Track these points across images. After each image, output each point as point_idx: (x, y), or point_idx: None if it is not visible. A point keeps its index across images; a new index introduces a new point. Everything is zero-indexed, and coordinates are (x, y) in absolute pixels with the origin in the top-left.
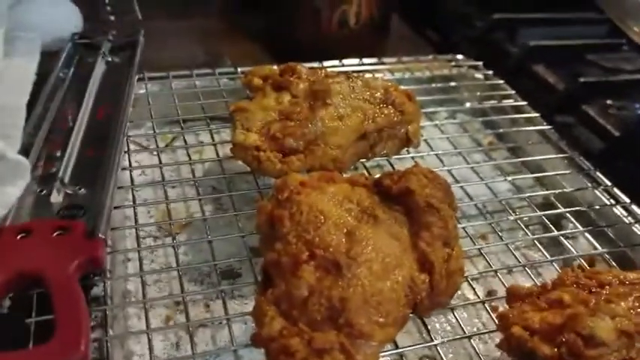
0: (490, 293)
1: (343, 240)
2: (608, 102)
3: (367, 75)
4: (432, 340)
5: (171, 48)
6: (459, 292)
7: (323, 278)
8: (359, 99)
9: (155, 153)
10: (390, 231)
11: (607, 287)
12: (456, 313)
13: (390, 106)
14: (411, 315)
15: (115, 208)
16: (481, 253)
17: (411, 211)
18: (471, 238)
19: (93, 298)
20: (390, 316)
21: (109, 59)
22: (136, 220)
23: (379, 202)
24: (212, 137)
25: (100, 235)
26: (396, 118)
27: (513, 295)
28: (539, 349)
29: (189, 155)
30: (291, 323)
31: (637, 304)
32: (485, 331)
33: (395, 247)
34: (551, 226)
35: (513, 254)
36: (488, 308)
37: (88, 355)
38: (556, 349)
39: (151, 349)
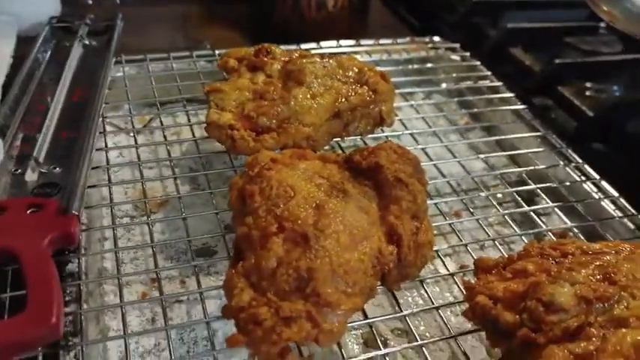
0: (462, 267)
1: (312, 213)
2: (587, 85)
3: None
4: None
5: (150, 34)
6: (431, 267)
7: (291, 250)
8: (332, 78)
9: (132, 134)
10: (359, 205)
11: (570, 257)
12: (427, 287)
13: (363, 86)
14: (382, 289)
15: (91, 187)
16: (453, 230)
17: (380, 185)
18: (443, 215)
19: (68, 274)
20: (356, 285)
21: (87, 42)
22: (112, 199)
23: (349, 178)
24: (189, 119)
25: (73, 212)
26: (369, 98)
27: (481, 267)
28: (501, 316)
29: (165, 136)
30: (260, 294)
31: (597, 272)
32: (453, 301)
33: (363, 220)
34: (522, 202)
35: (485, 230)
36: (458, 281)
37: (59, 327)
38: (518, 316)
39: (124, 323)
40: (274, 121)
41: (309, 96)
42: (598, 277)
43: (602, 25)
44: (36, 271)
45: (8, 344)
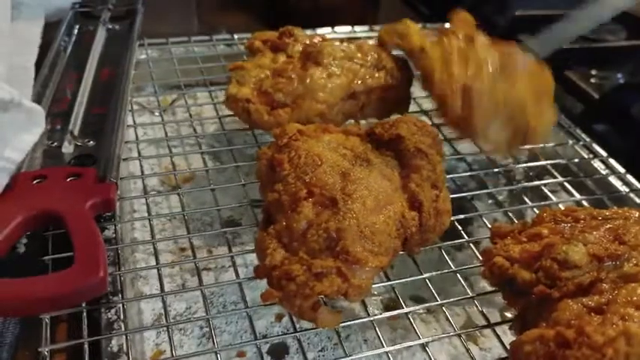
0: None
1: (339, 180)
2: (592, 72)
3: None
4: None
5: (165, 20)
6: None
7: (321, 213)
8: (351, 61)
9: (157, 113)
10: (382, 173)
11: (582, 222)
12: (443, 252)
13: (381, 70)
14: (402, 253)
15: (123, 160)
16: (469, 201)
17: (402, 155)
18: (460, 189)
19: (105, 239)
20: (382, 245)
21: (110, 27)
22: (142, 172)
23: (372, 149)
24: (212, 98)
25: (111, 179)
26: (385, 82)
27: (496, 233)
28: (518, 274)
29: (190, 114)
30: (292, 254)
31: (608, 234)
32: (471, 266)
33: (387, 187)
34: (534, 178)
35: (499, 202)
36: (473, 248)
37: (106, 280)
38: (534, 275)
39: (161, 283)
40: (289, 97)
41: (325, 75)
42: (609, 238)
43: None
44: (82, 231)
45: (60, 295)
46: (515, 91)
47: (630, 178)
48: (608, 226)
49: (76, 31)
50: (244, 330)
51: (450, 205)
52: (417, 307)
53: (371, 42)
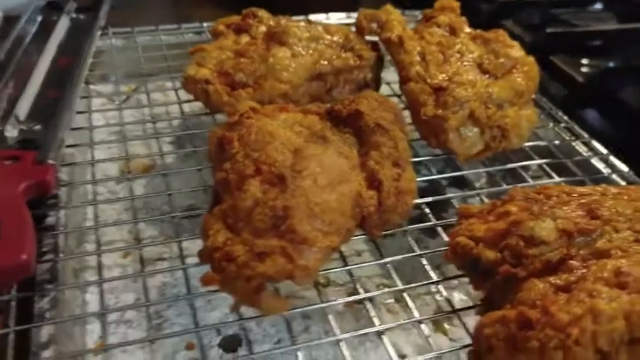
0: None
1: (290, 157)
2: (578, 59)
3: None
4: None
5: (142, 13)
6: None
7: (268, 190)
8: (317, 42)
9: (117, 101)
10: (339, 150)
11: (554, 198)
12: (409, 237)
13: (348, 52)
14: (364, 237)
15: (73, 146)
16: (445, 187)
17: (361, 132)
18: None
19: (47, 226)
20: (333, 225)
21: (74, 16)
22: (93, 157)
23: (331, 127)
24: (174, 86)
25: (49, 162)
26: (353, 63)
27: (463, 214)
28: (482, 254)
29: (149, 101)
30: (236, 235)
31: (580, 209)
32: (436, 250)
33: (343, 164)
34: (513, 160)
35: (473, 185)
36: (441, 231)
37: (30, 264)
38: (499, 254)
39: (100, 268)
40: (251, 77)
41: (289, 55)
42: (581, 213)
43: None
44: (9, 213)
45: None
46: (494, 91)
47: (613, 159)
48: (582, 201)
49: (38, 21)
50: (200, 321)
51: (415, 184)
52: (375, 293)
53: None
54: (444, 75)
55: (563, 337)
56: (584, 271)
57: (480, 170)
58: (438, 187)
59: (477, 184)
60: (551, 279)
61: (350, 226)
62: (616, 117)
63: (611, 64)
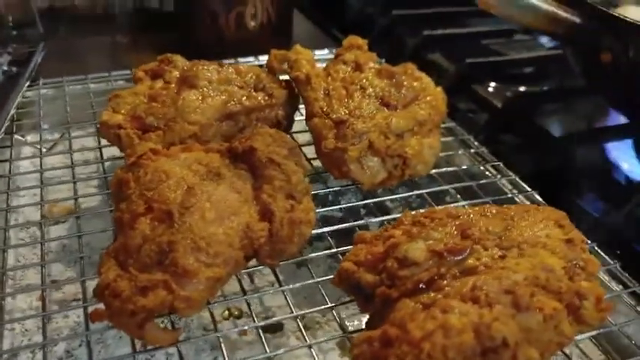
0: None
1: (180, 194)
2: (498, 84)
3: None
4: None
5: (78, 63)
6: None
7: (157, 227)
8: (229, 84)
9: (38, 147)
10: (232, 186)
11: (436, 221)
12: (310, 265)
13: (260, 91)
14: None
15: None
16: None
17: (255, 167)
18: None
19: None
20: (219, 257)
21: (6, 69)
22: (8, 204)
23: (228, 164)
24: (97, 132)
25: None
26: (264, 102)
27: (358, 240)
28: (362, 277)
29: (71, 147)
30: (125, 271)
31: (454, 230)
32: (332, 276)
33: (234, 199)
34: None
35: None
36: (341, 258)
37: None
38: (378, 277)
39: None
40: (162, 120)
41: (199, 98)
42: (454, 233)
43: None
44: None
45: None
46: (393, 121)
47: (518, 181)
48: (457, 222)
49: None
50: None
51: (313, 215)
52: (262, 323)
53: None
54: (345, 109)
55: (417, 353)
56: (449, 288)
57: (391, 197)
58: (357, 215)
59: (396, 211)
60: (421, 297)
61: (238, 258)
62: (530, 139)
63: (521, 89)
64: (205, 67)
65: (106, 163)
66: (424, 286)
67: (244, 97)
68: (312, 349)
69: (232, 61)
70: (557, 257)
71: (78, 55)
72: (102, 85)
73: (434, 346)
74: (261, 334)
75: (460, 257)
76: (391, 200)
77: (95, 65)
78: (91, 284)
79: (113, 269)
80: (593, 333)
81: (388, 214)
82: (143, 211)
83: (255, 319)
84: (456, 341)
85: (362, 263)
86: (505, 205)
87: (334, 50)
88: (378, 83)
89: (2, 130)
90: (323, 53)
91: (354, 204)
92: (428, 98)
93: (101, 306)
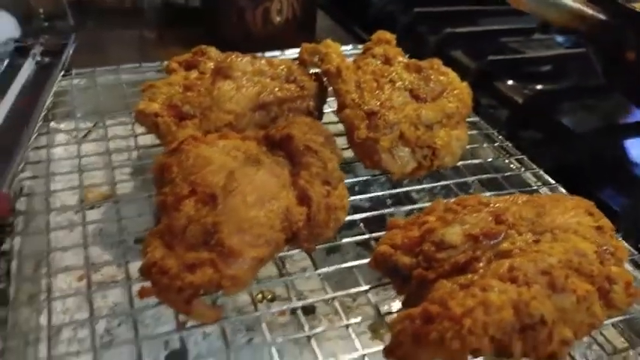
0: None
1: (223, 178)
2: (519, 83)
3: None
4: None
5: (107, 56)
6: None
7: (201, 209)
8: (262, 75)
9: (75, 134)
10: (271, 171)
11: (468, 208)
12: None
13: (291, 83)
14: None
15: (32, 178)
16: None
17: (292, 154)
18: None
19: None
20: (261, 238)
21: (39, 59)
22: (48, 188)
23: (266, 151)
24: (131, 120)
25: (2, 190)
26: (295, 93)
27: (392, 226)
28: (400, 260)
29: (106, 135)
30: (171, 251)
31: (488, 216)
32: (367, 260)
33: (273, 184)
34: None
35: (408, 202)
36: (373, 243)
37: None
38: (414, 259)
39: (49, 287)
40: (198, 109)
41: (234, 88)
42: (489, 219)
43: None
44: None
45: None
46: (423, 113)
47: (542, 173)
48: (490, 209)
49: (5, 65)
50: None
51: (346, 201)
52: (300, 303)
53: None
54: (376, 101)
55: (459, 328)
56: (486, 270)
57: (417, 187)
58: (384, 205)
59: (422, 201)
60: (458, 279)
61: (279, 240)
62: (551, 135)
63: (539, 87)
64: (239, 59)
65: (140, 151)
66: (461, 268)
67: (277, 89)
68: (350, 329)
69: (260, 54)
70: (589, 242)
71: (106, 47)
72: (133, 76)
73: (475, 322)
74: (300, 315)
75: (495, 241)
76: (417, 191)
77: (124, 58)
78: (133, 266)
79: (159, 249)
80: (617, 319)
81: (415, 204)
82: (187, 194)
83: (293, 300)
84: (496, 317)
85: (398, 247)
86: (534, 194)
87: (359, 46)
88: (407, 77)
89: (41, 117)
90: (347, 49)
91: (382, 193)
92: (455, 92)
93: (147, 284)
